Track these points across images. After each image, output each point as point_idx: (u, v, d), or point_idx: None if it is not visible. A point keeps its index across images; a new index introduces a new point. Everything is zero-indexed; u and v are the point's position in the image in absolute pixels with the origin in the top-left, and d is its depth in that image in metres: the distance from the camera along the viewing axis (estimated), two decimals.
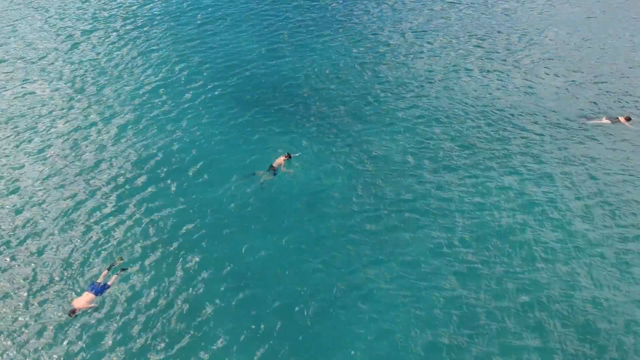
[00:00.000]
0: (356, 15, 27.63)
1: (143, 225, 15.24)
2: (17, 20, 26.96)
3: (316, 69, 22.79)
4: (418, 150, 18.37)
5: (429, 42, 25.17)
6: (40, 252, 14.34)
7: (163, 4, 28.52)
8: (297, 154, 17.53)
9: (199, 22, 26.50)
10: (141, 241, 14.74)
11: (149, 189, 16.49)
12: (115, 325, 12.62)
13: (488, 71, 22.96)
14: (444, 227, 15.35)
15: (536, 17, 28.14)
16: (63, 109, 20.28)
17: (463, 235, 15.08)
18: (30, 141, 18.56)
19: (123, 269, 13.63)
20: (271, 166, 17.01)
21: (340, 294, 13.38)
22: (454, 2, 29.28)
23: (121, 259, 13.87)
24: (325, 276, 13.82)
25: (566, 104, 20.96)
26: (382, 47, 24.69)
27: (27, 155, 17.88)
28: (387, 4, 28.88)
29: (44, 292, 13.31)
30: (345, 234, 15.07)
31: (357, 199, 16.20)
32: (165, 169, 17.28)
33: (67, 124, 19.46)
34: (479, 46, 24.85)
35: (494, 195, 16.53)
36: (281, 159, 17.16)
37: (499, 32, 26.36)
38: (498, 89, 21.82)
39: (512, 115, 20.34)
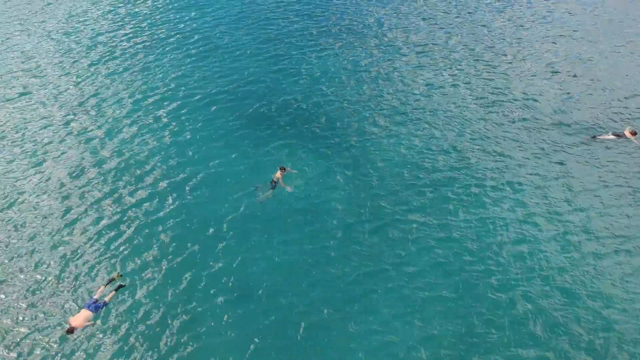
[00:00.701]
0: (356, 29, 27.68)
1: (142, 239, 15.22)
2: (16, 33, 27.21)
3: (315, 83, 22.79)
4: (417, 163, 18.30)
5: (428, 55, 25.15)
6: (36, 267, 14.33)
7: (162, 20, 28.70)
8: (294, 171, 17.47)
9: (199, 37, 26.61)
10: (139, 255, 14.72)
11: (148, 203, 16.50)
12: (113, 339, 12.60)
13: (488, 84, 22.94)
14: (443, 240, 15.29)
15: (536, 29, 28.20)
16: (63, 122, 20.37)
17: (462, 248, 15.02)
18: (28, 154, 18.62)
19: (121, 286, 13.58)
20: (272, 181, 17.01)
21: (339, 307, 13.42)
22: (453, 16, 29.40)
23: (119, 275, 13.82)
24: (325, 289, 13.85)
25: (569, 117, 20.90)
26: (381, 61, 24.69)
27: (25, 169, 17.94)
28: (386, 18, 28.96)
29: (40, 309, 13.29)
30: (345, 247, 15.07)
31: (356, 212, 16.17)
32: (164, 183, 17.29)
33: (66, 137, 19.53)
34: (478, 59, 24.88)
35: (493, 208, 16.46)
36: (278, 174, 17.13)
37: (498, 44, 26.38)
38: (498, 102, 21.76)
39: (513, 128, 20.28)
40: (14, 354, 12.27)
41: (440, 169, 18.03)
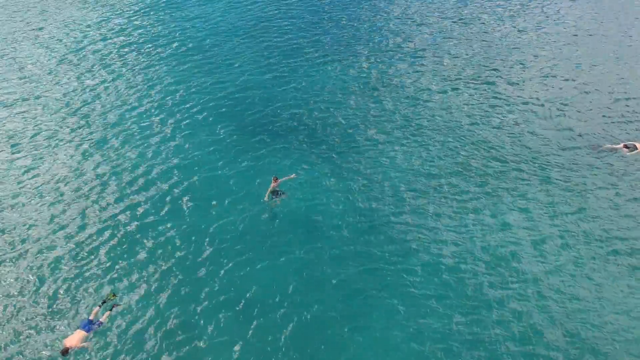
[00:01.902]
0: (352, 38, 27.17)
1: (140, 253, 15.02)
2: (12, 41, 27.03)
3: (312, 92, 22.44)
4: (415, 170, 18.05)
5: (430, 65, 24.67)
6: (28, 287, 14.10)
7: (158, 29, 28.42)
8: (292, 175, 17.15)
9: (195, 47, 26.28)
10: (136, 270, 14.50)
11: (144, 216, 16.27)
12: (111, 357, 12.37)
13: (490, 93, 22.36)
14: (444, 254, 15.01)
15: (538, 37, 27.45)
16: (62, 131, 20.19)
17: (463, 263, 14.74)
18: (17, 168, 18.40)
19: (116, 305, 13.33)
20: (276, 192, 16.77)
21: (340, 320, 13.23)
22: (450, 22, 28.71)
23: (114, 296, 13.58)
24: (325, 303, 13.60)
25: (577, 127, 20.20)
26: (377, 69, 24.27)
27: (15, 181, 17.74)
28: (387, 27, 28.44)
29: (34, 329, 13.08)
30: (343, 256, 14.93)
31: (356, 225, 15.95)
32: (161, 195, 17.06)
33: (59, 148, 19.29)
34: (478, 67, 24.25)
35: (494, 222, 16.12)
36: (272, 185, 16.78)
37: (498, 52, 25.76)
38: (501, 112, 21.24)
39: (517, 138, 19.75)
40: None
41: (439, 176, 17.75)
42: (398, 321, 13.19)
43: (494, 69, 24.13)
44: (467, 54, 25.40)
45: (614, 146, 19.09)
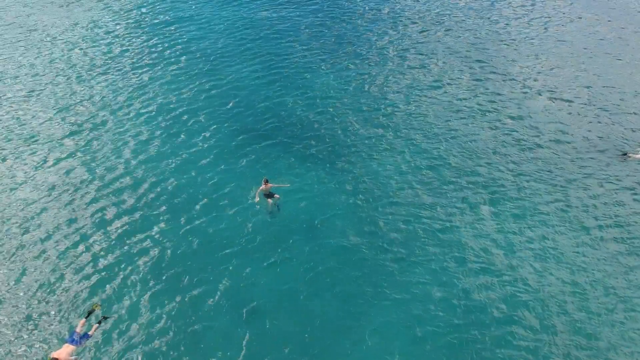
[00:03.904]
0: (356, 46, 26.63)
1: (136, 259, 14.72)
2: (19, 44, 26.92)
3: (316, 99, 22.07)
4: (418, 179, 17.64)
5: (430, 67, 24.18)
6: (16, 295, 13.72)
7: (161, 35, 28.20)
8: (286, 185, 16.91)
9: (199, 53, 25.94)
10: (134, 276, 14.19)
11: (145, 221, 16.02)
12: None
13: (494, 100, 21.74)
14: (445, 257, 14.67)
15: (541, 44, 26.34)
16: (64, 138, 19.96)
17: (464, 266, 14.37)
18: (22, 174, 18.17)
19: (104, 317, 12.92)
20: (269, 194, 16.51)
21: (341, 323, 13.07)
22: (454, 31, 27.88)
23: (98, 306, 13.15)
24: (326, 306, 13.44)
25: (598, 132, 19.20)
26: (382, 77, 23.74)
27: (16, 188, 17.44)
28: (391, 31, 27.86)
29: (19, 342, 12.68)
30: (346, 263, 14.62)
31: (357, 230, 15.70)
32: (161, 199, 16.79)
33: (65, 154, 19.05)
34: (483, 76, 23.33)
35: (497, 226, 15.69)
36: (262, 187, 16.44)
37: (502, 61, 25.02)
38: (515, 115, 20.45)
39: (529, 143, 19.01)
40: None
41: (441, 185, 17.31)
42: (398, 324, 12.95)
43: (500, 72, 23.41)
44: (471, 56, 24.91)
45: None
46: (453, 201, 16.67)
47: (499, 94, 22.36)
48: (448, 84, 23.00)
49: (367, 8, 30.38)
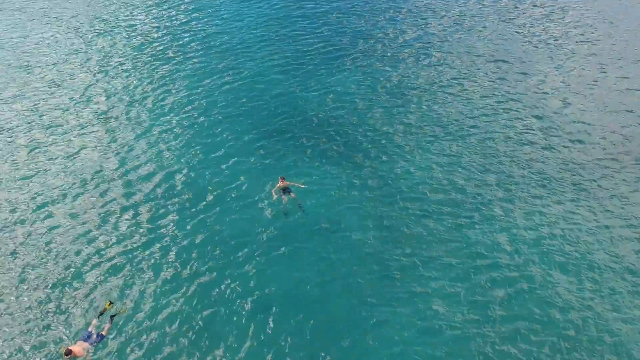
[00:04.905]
0: (379, 45, 25.92)
1: (152, 255, 14.74)
2: (45, 36, 27.62)
3: (338, 98, 21.69)
4: (438, 182, 17.28)
5: (454, 70, 23.45)
6: (32, 291, 13.83)
7: (184, 30, 28.24)
8: (302, 186, 16.80)
9: (223, 50, 25.85)
10: (151, 271, 14.25)
11: (162, 216, 16.08)
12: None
13: (518, 102, 21.00)
14: (459, 256, 14.53)
15: (576, 35, 25.30)
16: (82, 128, 20.29)
17: (482, 278, 14.01)
18: (40, 163, 18.49)
19: (112, 316, 12.89)
20: (285, 191, 16.50)
21: (356, 325, 12.94)
22: (480, 27, 26.97)
23: (111, 304, 13.17)
24: (342, 308, 13.35)
25: (621, 134, 18.60)
26: (404, 78, 23.13)
27: (33, 177, 17.75)
28: (411, 29, 27.05)
29: (34, 338, 12.72)
30: (363, 264, 14.44)
31: (372, 226, 15.60)
32: (178, 195, 16.83)
33: (83, 144, 19.38)
34: (516, 71, 22.60)
35: (516, 228, 15.26)
36: (279, 184, 16.54)
37: (529, 54, 24.05)
38: (534, 115, 19.95)
39: (549, 143, 18.41)
40: None
41: (457, 183, 16.95)
42: (409, 318, 12.89)
43: (520, 71, 22.78)
44: (492, 55, 24.12)
45: None
46: (469, 199, 16.41)
47: (518, 93, 21.62)
48: (467, 82, 22.36)
49: (387, 5, 29.60)
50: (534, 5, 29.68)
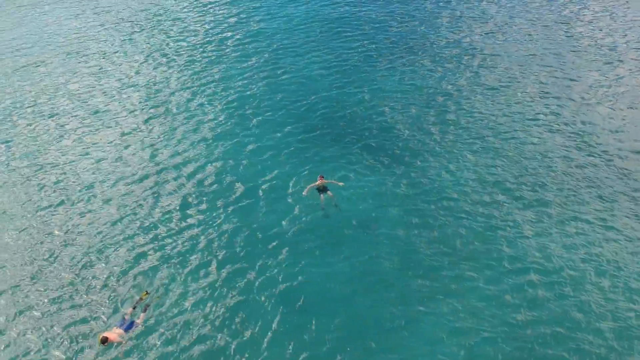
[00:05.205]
0: (425, 46, 25.09)
1: (188, 246, 14.65)
2: (94, 30, 28.21)
3: (379, 99, 21.09)
4: (476, 181, 16.65)
5: (497, 74, 22.43)
6: (74, 276, 13.90)
7: (230, 30, 28.13)
8: (340, 183, 16.42)
9: (267, 47, 25.64)
10: (186, 265, 14.06)
11: (202, 211, 15.87)
12: (157, 349, 11.97)
13: (562, 108, 19.89)
14: (498, 259, 13.92)
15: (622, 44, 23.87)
16: (125, 117, 20.51)
17: (514, 281, 13.42)
18: (81, 148, 18.74)
19: (148, 305, 12.78)
20: (322, 189, 16.19)
21: (389, 326, 12.49)
22: (525, 32, 25.81)
23: (147, 294, 13.08)
24: (377, 307, 12.92)
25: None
26: (445, 76, 22.43)
27: (75, 167, 17.96)
28: (456, 32, 26.11)
29: (72, 322, 12.76)
30: (399, 265, 13.99)
31: (410, 227, 15.14)
32: (219, 190, 16.68)
33: (123, 132, 19.58)
34: (557, 77, 21.46)
35: (554, 230, 14.59)
36: (317, 182, 16.25)
37: (576, 60, 22.89)
38: (577, 122, 18.91)
39: (593, 151, 17.34)
40: None
41: (498, 192, 16.24)
42: (443, 330, 12.29)
43: (566, 77, 21.68)
44: (537, 61, 23.04)
45: None
46: (504, 202, 15.77)
47: (561, 99, 20.44)
48: (508, 87, 21.43)
49: (431, 9, 28.83)
50: (582, 9, 28.17)
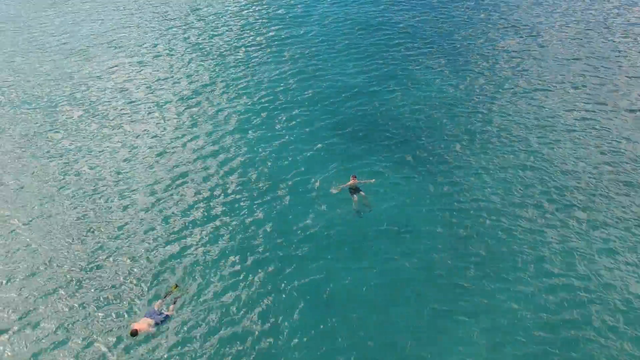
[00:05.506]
0: (471, 49, 24.49)
1: (221, 241, 14.67)
2: (143, 24, 28.73)
3: (420, 102, 20.64)
4: (515, 190, 16.15)
5: (540, 79, 21.67)
6: (105, 265, 14.06)
7: (271, 23, 28.20)
8: (371, 180, 16.25)
9: (306, 42, 25.55)
10: (217, 261, 14.05)
11: (235, 207, 15.86)
12: (183, 344, 12.01)
13: (609, 109, 19.25)
14: (533, 284, 13.28)
15: None
16: (162, 108, 20.73)
17: (552, 298, 12.91)
18: (118, 137, 19.03)
19: (177, 298, 12.83)
20: (355, 190, 15.99)
21: (418, 333, 12.23)
22: (570, 36, 24.82)
23: (176, 287, 13.12)
24: (405, 313, 12.66)
25: None
26: (487, 80, 21.80)
27: (110, 153, 18.23)
28: (501, 37, 25.29)
29: (102, 311, 12.90)
30: (430, 271, 13.67)
31: (444, 234, 14.75)
32: (252, 186, 16.63)
33: (160, 124, 19.78)
34: (597, 79, 20.61)
35: (595, 260, 13.83)
36: (350, 182, 16.07)
37: (621, 68, 21.85)
38: (620, 130, 17.98)
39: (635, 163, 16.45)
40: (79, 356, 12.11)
41: (539, 204, 15.65)
42: (475, 343, 11.90)
43: (609, 84, 20.76)
44: (597, 73, 21.94)
45: None
46: (545, 214, 15.20)
47: (609, 110, 19.58)
48: (556, 93, 20.65)
49: (470, 11, 28.03)
50: (628, 13, 26.87)
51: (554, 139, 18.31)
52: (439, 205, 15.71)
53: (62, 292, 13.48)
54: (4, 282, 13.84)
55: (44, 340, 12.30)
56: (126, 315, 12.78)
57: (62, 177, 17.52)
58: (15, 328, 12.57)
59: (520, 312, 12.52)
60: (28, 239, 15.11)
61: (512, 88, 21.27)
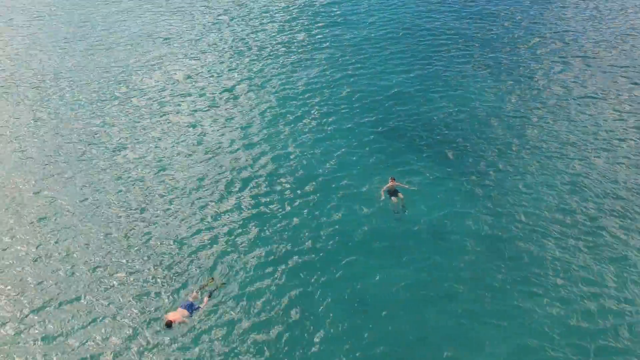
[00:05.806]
0: (509, 50, 23.71)
1: (256, 236, 14.69)
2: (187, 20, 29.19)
3: (463, 106, 20.14)
4: (555, 198, 15.61)
5: (587, 86, 20.77)
6: (142, 255, 14.25)
7: (317, 23, 28.03)
8: (406, 186, 16.00)
9: (350, 42, 25.35)
10: (252, 258, 14.02)
11: (272, 204, 15.82)
12: (215, 339, 12.00)
13: None
14: (568, 291, 12.88)
15: None
16: (206, 102, 21.03)
17: (586, 305, 12.48)
18: (162, 127, 19.31)
19: (211, 292, 12.84)
20: (393, 192, 15.79)
21: (449, 338, 11.90)
22: (621, 46, 23.48)
23: (212, 280, 13.15)
24: (437, 317, 12.38)
25: None
26: (532, 86, 21.10)
27: (153, 143, 18.54)
28: (550, 43, 24.21)
29: (137, 299, 13.06)
30: (467, 277, 13.31)
31: (481, 240, 14.43)
32: (292, 185, 16.55)
33: (203, 117, 20.00)
34: None
35: (631, 270, 13.25)
36: (389, 185, 15.90)
37: None
38: None
39: None
40: (113, 347, 12.24)
41: (578, 211, 15.20)
42: (508, 348, 11.60)
43: None
44: (630, 76, 20.75)
45: None
46: (583, 222, 14.71)
47: None
48: (603, 101, 19.77)
49: (521, 20, 26.89)
50: None
51: (593, 148, 17.63)
52: (475, 207, 15.44)
53: (99, 276, 13.75)
54: (45, 260, 14.26)
55: (76, 324, 12.55)
56: (162, 305, 12.89)
57: (107, 165, 17.96)
58: (50, 309, 12.88)
59: (550, 319, 12.20)
60: (71, 222, 15.56)
61: (561, 98, 20.43)
